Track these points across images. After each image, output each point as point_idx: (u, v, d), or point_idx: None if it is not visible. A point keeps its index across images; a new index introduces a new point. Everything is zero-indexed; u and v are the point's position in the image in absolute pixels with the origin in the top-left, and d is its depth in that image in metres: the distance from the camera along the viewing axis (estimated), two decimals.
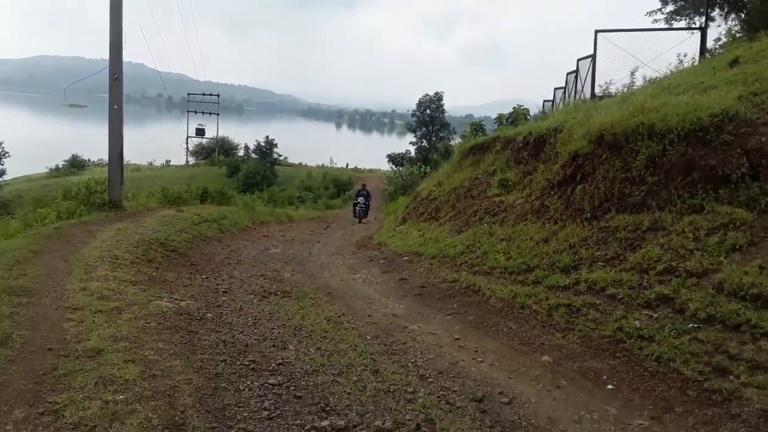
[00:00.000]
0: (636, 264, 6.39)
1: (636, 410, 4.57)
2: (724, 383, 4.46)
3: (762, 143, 6.44)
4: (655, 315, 5.57)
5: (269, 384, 4.77)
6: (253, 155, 50.74)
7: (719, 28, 20.87)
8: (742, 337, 4.77)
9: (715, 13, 20.87)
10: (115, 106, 13.26)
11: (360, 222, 23.86)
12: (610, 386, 4.99)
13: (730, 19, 20.84)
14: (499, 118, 23.23)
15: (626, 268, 6.46)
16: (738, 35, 16.45)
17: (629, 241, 6.86)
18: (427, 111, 44.48)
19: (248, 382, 4.77)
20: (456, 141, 39.56)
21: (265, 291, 8.18)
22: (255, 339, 5.94)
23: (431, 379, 5.10)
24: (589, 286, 6.55)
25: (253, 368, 5.10)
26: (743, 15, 20.07)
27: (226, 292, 7.98)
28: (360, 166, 55.98)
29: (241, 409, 4.29)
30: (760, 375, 4.35)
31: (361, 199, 25.00)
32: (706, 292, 5.39)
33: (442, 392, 4.81)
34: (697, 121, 7.06)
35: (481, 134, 22.77)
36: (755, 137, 6.56)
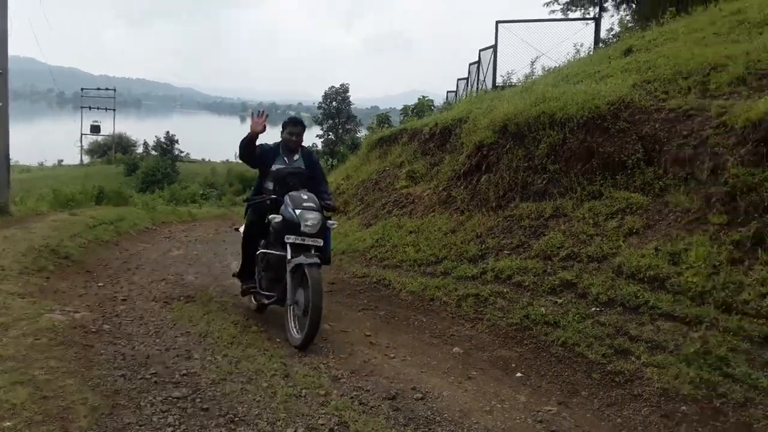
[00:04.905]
0: (540, 251, 6.54)
1: (544, 396, 4.66)
2: (626, 364, 4.63)
3: (656, 129, 6.74)
4: (560, 300, 5.72)
5: (173, 397, 4.49)
6: (153, 152, 48.83)
7: (612, 18, 22.01)
8: (641, 318, 4.97)
9: (608, 3, 22.04)
10: (0, 103, 12.26)
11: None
12: (519, 374, 5.06)
13: (622, 10, 22.04)
14: (405, 110, 23.49)
15: (531, 256, 6.60)
16: (630, 25, 17.34)
17: (533, 229, 7.01)
18: (333, 103, 44.36)
19: (150, 397, 4.48)
20: (363, 133, 39.63)
21: (167, 296, 7.79)
22: (157, 349, 5.60)
23: (344, 380, 4.99)
24: (496, 275, 6.65)
25: (155, 381, 4.79)
26: (634, 5, 21.19)
27: (125, 300, 7.54)
28: None
29: (143, 427, 4.01)
30: (659, 354, 4.53)
31: (296, 198, 6.06)
32: (607, 276, 5.59)
33: (355, 392, 4.71)
34: (595, 109, 7.31)
35: (387, 126, 22.90)
36: (649, 124, 6.86)
